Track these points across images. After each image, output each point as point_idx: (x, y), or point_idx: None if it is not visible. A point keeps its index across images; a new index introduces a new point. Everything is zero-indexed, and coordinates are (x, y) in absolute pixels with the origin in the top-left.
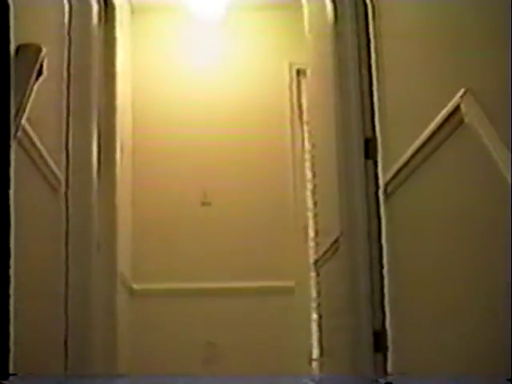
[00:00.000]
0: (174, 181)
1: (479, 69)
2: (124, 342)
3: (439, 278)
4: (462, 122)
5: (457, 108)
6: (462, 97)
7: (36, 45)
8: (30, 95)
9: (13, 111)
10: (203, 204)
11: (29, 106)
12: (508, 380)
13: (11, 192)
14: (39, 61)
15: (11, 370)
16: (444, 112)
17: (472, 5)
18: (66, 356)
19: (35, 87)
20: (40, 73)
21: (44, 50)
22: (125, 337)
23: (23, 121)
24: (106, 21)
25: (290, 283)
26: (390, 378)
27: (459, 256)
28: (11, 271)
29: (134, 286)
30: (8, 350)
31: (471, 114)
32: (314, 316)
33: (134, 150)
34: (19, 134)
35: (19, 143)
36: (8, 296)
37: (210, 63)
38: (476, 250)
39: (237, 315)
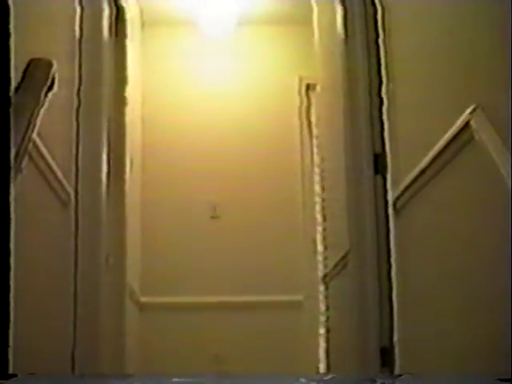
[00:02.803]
0: (183, 194)
1: (490, 85)
2: (132, 355)
3: (448, 294)
4: (472, 138)
5: (467, 124)
6: (471, 113)
7: (47, 59)
8: (40, 110)
9: (24, 126)
10: (212, 217)
11: (39, 120)
12: (498, 380)
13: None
14: (50, 75)
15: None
16: (454, 128)
17: (482, 21)
18: (74, 370)
19: (46, 102)
20: (51, 87)
21: (55, 65)
22: (133, 350)
23: (34, 135)
24: (117, 34)
25: (299, 297)
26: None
27: (468, 271)
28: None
29: (143, 300)
30: (8, 351)
31: (481, 131)
32: (322, 330)
33: (143, 164)
34: (30, 148)
35: (30, 158)
36: (8, 300)
37: (219, 77)
38: (485, 266)
39: (245, 329)
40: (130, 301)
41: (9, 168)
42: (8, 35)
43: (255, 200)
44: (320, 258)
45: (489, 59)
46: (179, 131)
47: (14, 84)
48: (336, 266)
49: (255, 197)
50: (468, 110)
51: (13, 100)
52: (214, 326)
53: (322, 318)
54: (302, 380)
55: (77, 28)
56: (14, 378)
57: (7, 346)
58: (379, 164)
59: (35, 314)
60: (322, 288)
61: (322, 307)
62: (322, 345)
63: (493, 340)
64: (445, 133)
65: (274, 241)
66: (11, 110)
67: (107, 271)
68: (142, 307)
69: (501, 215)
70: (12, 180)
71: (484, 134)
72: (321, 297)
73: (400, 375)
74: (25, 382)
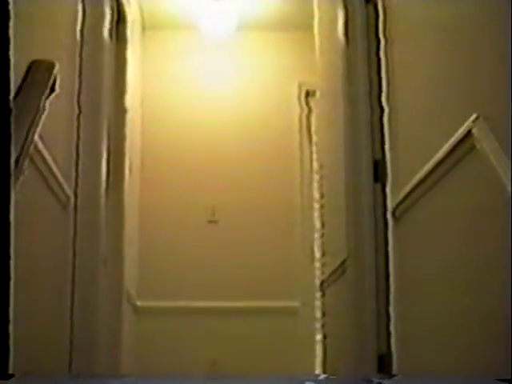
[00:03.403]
0: (181, 199)
1: (492, 94)
2: (129, 359)
3: (447, 303)
4: (473, 147)
5: (468, 133)
6: (473, 122)
7: (49, 61)
8: (42, 112)
9: (25, 127)
10: (210, 222)
11: (41, 122)
12: (497, 380)
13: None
14: (52, 77)
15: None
16: (455, 137)
17: (484, 30)
18: (71, 371)
19: (47, 103)
20: (53, 89)
21: (57, 66)
22: (129, 354)
23: (35, 137)
24: (118, 36)
25: (295, 303)
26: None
27: (468, 277)
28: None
29: (139, 304)
30: (8, 351)
31: (483, 140)
32: (319, 337)
33: (142, 167)
34: (31, 150)
35: (31, 160)
36: (8, 298)
37: (219, 82)
38: (485, 272)
39: (241, 334)
40: (127, 304)
41: (9, 170)
42: (8, 38)
43: (253, 205)
44: (318, 264)
45: (491, 68)
46: (178, 135)
47: (15, 85)
48: (334, 272)
49: (253, 202)
50: (470, 119)
51: (15, 102)
52: (210, 332)
53: (319, 325)
54: (299, 380)
55: (78, 30)
56: (14, 378)
57: (7, 346)
58: (379, 171)
59: (33, 316)
60: (319, 294)
61: (319, 314)
62: (319, 351)
63: (492, 341)
64: (446, 141)
65: (272, 247)
66: (13, 111)
67: (105, 274)
68: (139, 311)
69: (502, 223)
70: (13, 182)
71: (486, 142)
72: (318, 303)
73: (397, 375)
74: (24, 382)
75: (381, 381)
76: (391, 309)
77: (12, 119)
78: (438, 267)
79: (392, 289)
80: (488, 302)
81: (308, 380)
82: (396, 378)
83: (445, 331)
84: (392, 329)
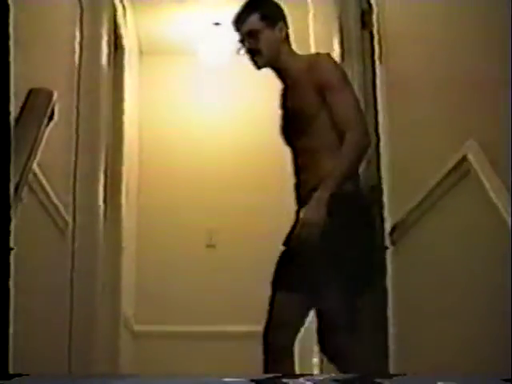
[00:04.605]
0: (178, 223)
1: (487, 120)
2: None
3: (444, 326)
4: (468, 172)
5: (463, 158)
6: (469, 147)
7: (47, 90)
8: (41, 140)
9: (24, 156)
10: (208, 246)
11: (40, 150)
12: (503, 380)
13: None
14: (51, 105)
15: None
16: (451, 161)
17: (481, 55)
18: None
19: (46, 131)
20: (51, 117)
21: (55, 95)
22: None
23: (34, 165)
24: (115, 63)
25: None
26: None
27: (464, 304)
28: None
29: (136, 328)
30: (8, 351)
31: (478, 165)
32: (315, 360)
33: (139, 191)
34: (30, 177)
35: (29, 187)
36: (8, 300)
37: (216, 106)
38: (481, 298)
39: (240, 359)
40: (124, 329)
41: (8, 197)
42: (8, 65)
43: (251, 229)
44: None
45: (487, 93)
46: (176, 159)
47: (14, 113)
48: None
49: (251, 226)
50: (465, 144)
51: (14, 130)
52: (208, 356)
53: (316, 348)
54: (299, 380)
55: (76, 56)
56: (14, 379)
57: (7, 348)
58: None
59: (30, 340)
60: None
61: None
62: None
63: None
64: (442, 166)
65: (270, 271)
66: (12, 139)
67: (102, 298)
68: (136, 335)
69: (496, 246)
70: (13, 209)
71: (480, 168)
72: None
73: (399, 374)
74: (25, 382)
75: (381, 381)
76: (390, 332)
77: (11, 147)
78: (435, 289)
79: (390, 311)
80: (486, 321)
81: (308, 380)
82: (397, 378)
83: (445, 352)
84: (390, 352)
